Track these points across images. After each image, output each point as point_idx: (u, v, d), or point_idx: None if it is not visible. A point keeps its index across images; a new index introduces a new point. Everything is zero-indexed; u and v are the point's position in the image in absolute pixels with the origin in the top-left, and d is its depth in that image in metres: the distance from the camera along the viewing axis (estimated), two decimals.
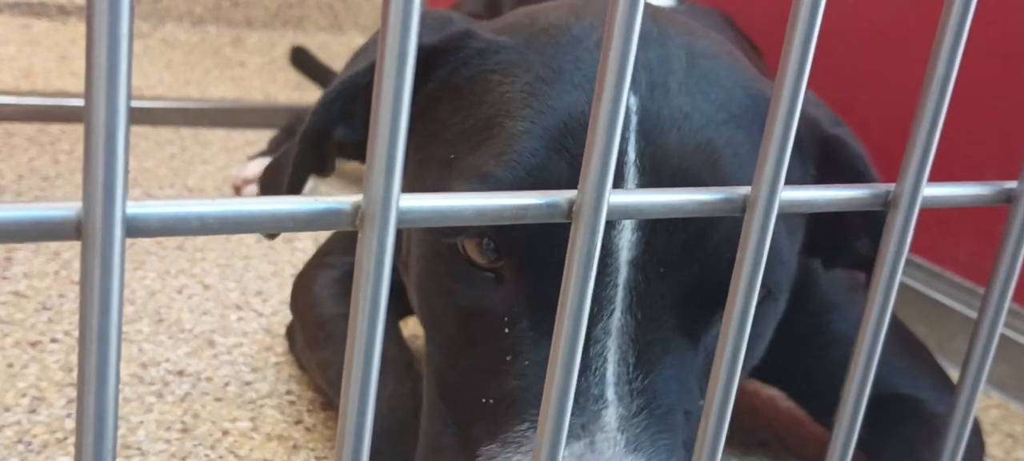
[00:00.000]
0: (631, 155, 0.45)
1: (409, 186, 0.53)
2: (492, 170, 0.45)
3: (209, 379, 0.73)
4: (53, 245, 0.92)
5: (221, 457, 0.64)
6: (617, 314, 0.44)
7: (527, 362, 0.45)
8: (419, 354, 0.66)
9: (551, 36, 0.49)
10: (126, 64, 0.19)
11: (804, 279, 0.67)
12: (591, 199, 0.25)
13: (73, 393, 0.68)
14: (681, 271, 0.44)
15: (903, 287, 0.94)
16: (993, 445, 0.81)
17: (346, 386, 0.24)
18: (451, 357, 0.49)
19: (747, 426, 0.79)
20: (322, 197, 0.23)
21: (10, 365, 0.71)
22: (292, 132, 1.26)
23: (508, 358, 0.45)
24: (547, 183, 0.44)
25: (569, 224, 0.46)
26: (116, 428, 0.22)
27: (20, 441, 0.62)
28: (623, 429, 0.42)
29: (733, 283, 0.28)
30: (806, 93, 0.56)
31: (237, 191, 1.16)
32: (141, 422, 0.66)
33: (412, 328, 0.78)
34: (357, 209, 0.23)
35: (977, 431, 0.68)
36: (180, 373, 0.73)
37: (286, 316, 0.84)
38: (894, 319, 0.71)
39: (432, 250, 0.48)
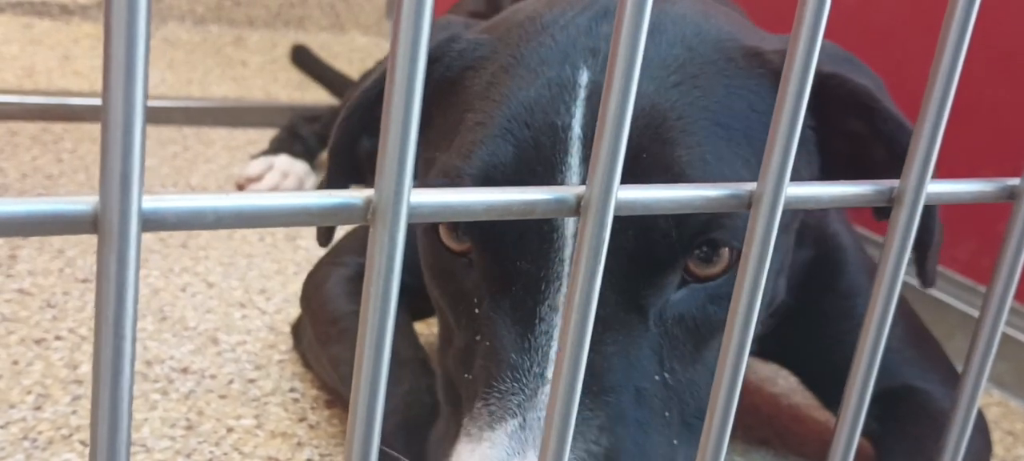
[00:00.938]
0: (575, 130, 0.46)
1: None
2: (457, 165, 0.47)
3: (213, 376, 0.73)
4: (57, 243, 0.92)
5: (225, 454, 0.64)
6: (564, 289, 0.45)
7: (488, 343, 0.47)
8: (433, 353, 0.66)
9: (523, 27, 0.51)
10: (143, 59, 0.20)
11: (834, 258, 0.67)
12: (599, 194, 0.25)
13: (78, 390, 0.68)
14: (618, 239, 0.45)
15: (904, 284, 0.94)
16: (994, 442, 0.81)
17: (356, 380, 0.24)
18: (446, 338, 0.52)
19: (748, 424, 0.79)
20: (334, 191, 0.23)
21: (15, 362, 0.71)
22: (294, 131, 1.27)
23: (478, 338, 0.48)
24: (494, 172, 0.46)
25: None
26: (131, 419, 0.22)
27: (26, 438, 0.62)
28: None
29: (738, 282, 0.28)
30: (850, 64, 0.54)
31: (240, 190, 1.16)
32: (146, 419, 0.66)
33: (431, 328, 0.78)
34: (369, 204, 0.23)
35: (984, 430, 0.68)
36: (184, 370, 0.73)
37: (290, 314, 0.85)
38: (908, 312, 0.71)
39: (424, 237, 0.51)
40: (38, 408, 0.66)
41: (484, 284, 0.47)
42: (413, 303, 0.67)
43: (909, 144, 0.52)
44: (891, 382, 0.67)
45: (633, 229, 0.45)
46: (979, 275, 0.95)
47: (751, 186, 0.28)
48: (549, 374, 0.44)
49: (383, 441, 0.47)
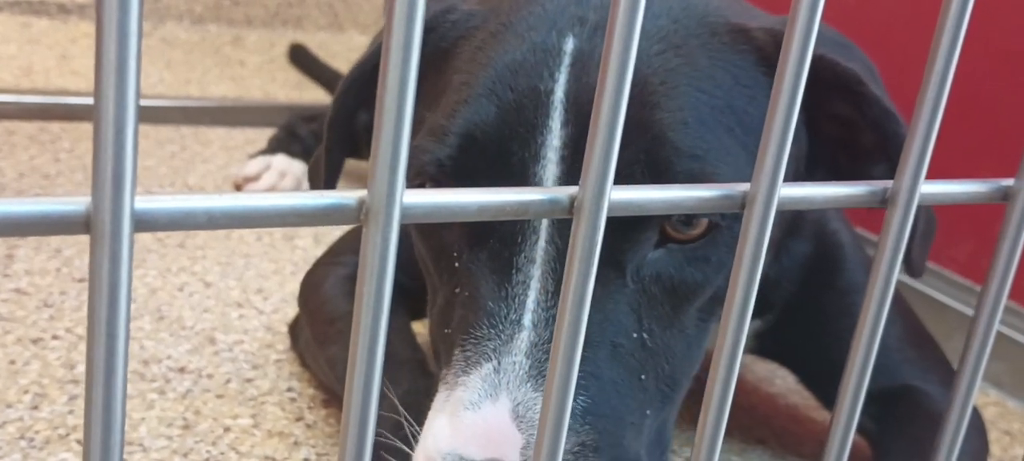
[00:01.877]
0: (558, 94, 0.47)
1: None
2: (442, 124, 0.48)
3: (210, 376, 0.73)
4: (54, 243, 0.92)
5: (222, 454, 0.64)
6: (541, 242, 0.46)
7: (467, 293, 0.47)
8: (430, 354, 0.66)
9: None
10: (135, 59, 0.20)
11: (833, 255, 0.68)
12: (592, 196, 0.25)
13: (75, 390, 0.68)
14: None
15: (901, 285, 0.94)
16: (990, 442, 0.81)
17: (350, 379, 0.24)
18: (432, 300, 0.53)
19: (745, 424, 0.79)
20: (327, 192, 0.23)
21: (12, 362, 0.71)
22: (291, 131, 1.27)
23: (457, 290, 0.49)
24: (475, 131, 0.47)
25: (502, 166, 0.47)
26: (124, 419, 0.22)
27: (22, 437, 0.62)
28: (529, 354, 0.44)
29: (732, 280, 0.28)
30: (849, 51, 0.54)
31: (237, 189, 1.16)
32: (143, 419, 0.66)
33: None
34: (362, 204, 0.23)
35: (981, 431, 0.68)
36: (181, 370, 0.73)
37: (287, 314, 0.85)
38: (906, 311, 0.71)
39: None
40: (35, 408, 0.66)
41: (464, 238, 0.48)
42: (411, 304, 0.67)
43: (894, 130, 0.52)
44: (889, 382, 0.67)
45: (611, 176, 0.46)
46: (977, 275, 0.95)
47: (744, 187, 0.28)
48: (525, 321, 0.45)
49: (379, 441, 0.47)
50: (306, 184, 1.22)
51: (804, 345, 0.70)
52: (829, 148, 0.55)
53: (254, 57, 1.85)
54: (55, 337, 0.76)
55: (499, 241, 0.46)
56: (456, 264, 0.49)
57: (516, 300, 0.45)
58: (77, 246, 0.92)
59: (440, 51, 0.53)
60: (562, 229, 0.46)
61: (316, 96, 1.61)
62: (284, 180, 1.19)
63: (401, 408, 0.52)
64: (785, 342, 0.70)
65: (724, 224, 0.48)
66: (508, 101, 0.47)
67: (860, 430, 0.67)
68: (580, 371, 0.44)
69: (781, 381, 0.88)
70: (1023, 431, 0.85)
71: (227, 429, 0.67)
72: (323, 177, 0.62)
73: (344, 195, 0.23)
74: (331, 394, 0.71)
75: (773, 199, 0.27)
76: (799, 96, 0.27)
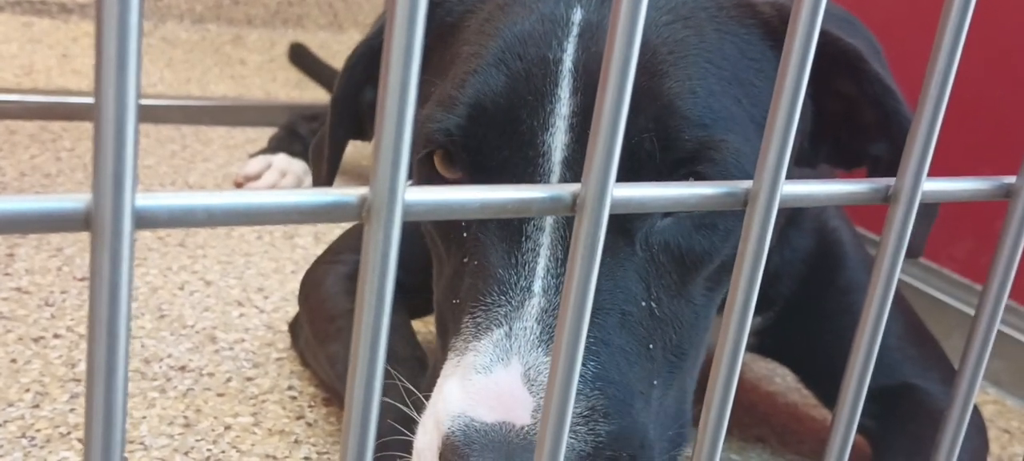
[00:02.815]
0: (567, 64, 0.47)
1: None
2: (451, 94, 0.49)
3: (211, 375, 0.73)
4: (55, 241, 0.92)
5: (223, 452, 0.64)
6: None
7: (476, 262, 0.48)
8: (431, 352, 0.66)
9: None
10: (135, 56, 0.20)
11: (833, 253, 0.68)
12: (595, 193, 0.25)
13: (76, 388, 0.68)
14: None
15: (900, 283, 0.94)
16: (989, 441, 0.81)
17: (352, 377, 0.24)
18: (438, 273, 0.53)
19: (745, 422, 0.79)
20: (329, 189, 0.23)
21: (13, 361, 0.71)
22: (292, 130, 1.27)
23: (465, 260, 0.49)
24: (485, 100, 0.47)
25: (511, 134, 0.47)
26: (125, 417, 0.22)
27: (24, 436, 0.62)
28: (540, 320, 0.44)
29: (734, 278, 0.28)
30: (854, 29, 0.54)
31: (238, 188, 1.16)
32: (144, 417, 0.66)
33: (429, 327, 0.78)
34: (363, 202, 0.23)
35: (982, 428, 0.68)
36: (182, 369, 0.73)
37: (287, 312, 0.85)
38: (906, 309, 0.71)
39: (420, 169, 0.52)
40: (36, 406, 0.66)
41: None
42: (411, 302, 0.67)
43: (894, 108, 0.52)
44: (889, 380, 0.67)
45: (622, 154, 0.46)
46: (976, 274, 0.95)
47: (747, 184, 0.28)
48: (536, 288, 0.45)
49: (379, 438, 0.47)
50: (308, 181, 1.22)
51: (804, 343, 0.70)
52: (832, 124, 0.55)
53: (255, 56, 1.85)
54: (56, 336, 0.76)
55: None
56: (464, 234, 0.49)
57: (526, 267, 0.46)
58: (78, 244, 0.92)
59: (446, 25, 0.53)
60: None
61: (316, 95, 1.61)
62: (285, 179, 1.19)
63: (407, 388, 0.52)
64: (785, 340, 0.70)
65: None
66: (517, 70, 0.47)
67: (860, 429, 0.67)
68: (589, 337, 0.44)
69: (780, 379, 0.88)
70: (1021, 429, 0.85)
71: (228, 427, 0.67)
72: (327, 156, 0.62)
73: (346, 192, 0.23)
74: (332, 392, 0.71)
75: (775, 197, 0.27)
76: (800, 98, 0.27)
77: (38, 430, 0.63)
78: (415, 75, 0.22)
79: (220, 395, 0.70)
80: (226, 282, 0.90)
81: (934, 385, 0.68)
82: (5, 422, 0.64)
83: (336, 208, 0.23)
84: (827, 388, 0.71)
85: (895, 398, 0.67)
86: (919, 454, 0.63)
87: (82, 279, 0.86)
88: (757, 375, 0.88)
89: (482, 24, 0.51)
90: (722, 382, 0.29)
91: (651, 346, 0.47)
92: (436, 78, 0.52)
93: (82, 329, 0.77)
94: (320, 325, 0.69)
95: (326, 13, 2.11)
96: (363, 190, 0.23)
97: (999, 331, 0.77)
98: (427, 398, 0.47)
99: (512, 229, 0.46)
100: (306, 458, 0.65)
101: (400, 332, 0.65)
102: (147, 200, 0.21)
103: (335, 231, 0.96)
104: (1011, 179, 0.33)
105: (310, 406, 0.71)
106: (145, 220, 0.21)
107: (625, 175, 0.46)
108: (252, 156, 1.23)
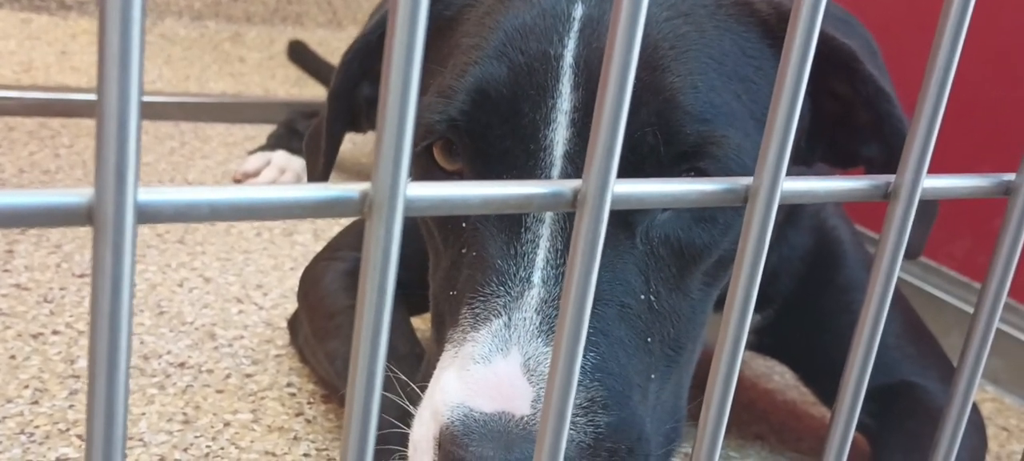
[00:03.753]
0: (568, 59, 0.47)
1: None
2: (449, 83, 0.49)
3: (210, 371, 0.73)
4: (54, 238, 0.92)
5: (222, 448, 0.64)
6: None
7: (474, 253, 0.47)
8: (430, 348, 0.66)
9: None
10: (138, 51, 0.20)
11: (832, 252, 0.68)
12: (595, 189, 0.25)
13: (75, 385, 0.68)
14: None
15: (899, 281, 0.94)
16: (988, 438, 0.82)
17: (353, 373, 0.24)
18: (435, 265, 0.52)
19: (744, 420, 0.79)
20: (331, 185, 0.23)
21: (12, 357, 0.71)
22: (291, 127, 1.27)
23: (463, 251, 0.48)
24: (489, 88, 0.47)
25: (513, 125, 0.47)
26: (127, 412, 0.22)
27: (22, 432, 0.62)
28: (540, 310, 0.44)
29: (734, 275, 0.28)
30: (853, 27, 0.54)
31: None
32: (143, 413, 0.66)
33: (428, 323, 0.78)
34: (365, 197, 0.23)
35: (980, 426, 0.69)
36: (181, 365, 0.73)
37: (286, 309, 0.85)
38: (905, 308, 0.71)
39: (418, 161, 0.52)
40: (35, 402, 0.66)
41: None
42: (410, 299, 0.67)
43: (887, 110, 0.52)
44: (888, 378, 0.67)
45: (624, 148, 0.46)
46: (975, 272, 0.96)
47: (747, 181, 0.28)
48: (535, 278, 0.45)
49: (379, 433, 0.47)
50: (305, 179, 1.22)
51: (803, 341, 0.70)
52: (828, 123, 0.56)
53: (254, 54, 1.85)
54: (55, 332, 0.76)
55: None
56: (463, 225, 0.49)
57: (525, 258, 0.46)
58: (77, 241, 0.92)
59: (444, 19, 0.53)
60: None
61: (315, 93, 1.61)
62: (284, 176, 1.19)
63: (401, 379, 0.52)
64: (784, 338, 0.70)
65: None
66: (519, 63, 0.48)
67: (859, 427, 0.67)
68: (589, 328, 0.44)
69: (779, 377, 0.88)
70: (1020, 427, 0.86)
71: (227, 424, 0.67)
72: (324, 150, 0.62)
73: (347, 188, 0.23)
74: (331, 389, 0.71)
75: (776, 194, 0.27)
76: (800, 95, 0.27)
77: (37, 426, 0.63)
78: (417, 70, 0.22)
79: (219, 392, 0.71)
80: (225, 279, 0.90)
81: (933, 383, 0.68)
82: (4, 418, 0.64)
83: (338, 203, 0.23)
84: (826, 386, 0.71)
85: (894, 396, 0.67)
86: (918, 451, 0.63)
87: (81, 275, 0.86)
88: (756, 373, 0.88)
89: (482, 17, 0.51)
90: (722, 379, 0.29)
91: (649, 339, 0.47)
92: (434, 71, 0.52)
93: (81, 325, 0.77)
94: (319, 322, 0.69)
95: (325, 10, 2.11)
96: (365, 185, 0.23)
97: (998, 329, 0.77)
98: (423, 390, 0.47)
99: (511, 220, 0.47)
100: (305, 455, 0.65)
101: (399, 329, 0.65)
102: (150, 195, 0.21)
103: (334, 228, 0.96)
104: (1010, 176, 0.33)
105: (309, 403, 0.71)
106: (148, 215, 0.21)
107: (626, 169, 0.46)
108: (251, 153, 1.23)
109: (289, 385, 0.73)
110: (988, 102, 0.93)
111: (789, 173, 0.27)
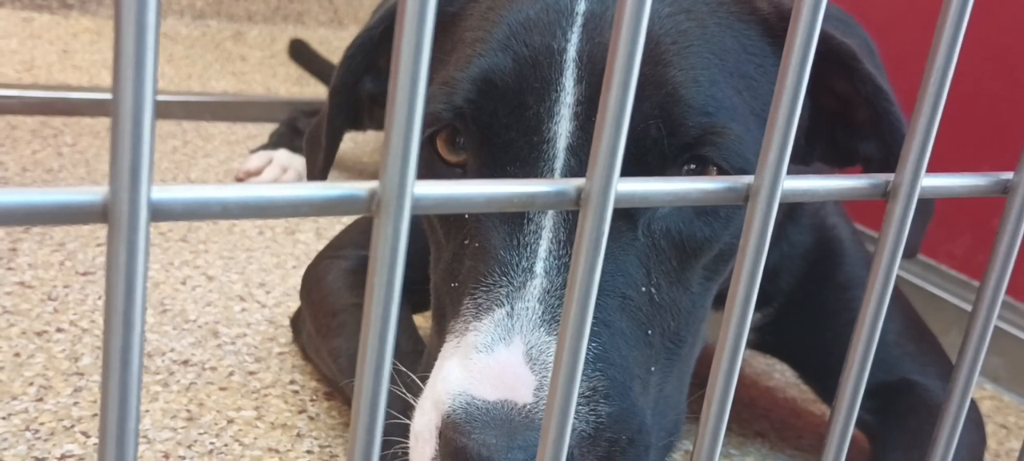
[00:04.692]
0: (570, 53, 0.48)
1: None
2: (454, 75, 0.49)
3: (214, 369, 0.73)
4: (58, 236, 0.93)
5: (226, 445, 0.64)
6: None
7: (477, 244, 0.48)
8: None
9: None
10: (153, 51, 0.20)
11: (832, 250, 0.68)
12: (599, 187, 0.25)
13: (79, 382, 0.69)
14: None
15: (898, 279, 0.95)
16: (987, 436, 0.82)
17: (360, 370, 0.24)
18: (437, 257, 0.53)
19: (744, 417, 0.80)
20: (339, 183, 0.23)
21: (17, 354, 0.72)
22: (293, 126, 1.27)
23: (466, 242, 0.49)
24: (494, 77, 0.48)
25: (518, 116, 0.47)
26: (139, 409, 0.23)
27: (27, 429, 0.63)
28: (542, 300, 0.44)
29: (736, 270, 0.29)
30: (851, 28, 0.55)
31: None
32: (147, 411, 0.67)
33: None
34: (373, 195, 0.23)
35: (979, 424, 0.69)
36: (185, 363, 0.74)
37: (289, 307, 0.85)
38: (905, 306, 0.72)
39: (421, 153, 0.51)
40: (40, 399, 0.66)
41: None
42: (413, 297, 0.68)
43: (885, 108, 0.53)
44: (888, 376, 0.68)
45: (627, 130, 0.46)
46: (974, 271, 0.96)
47: (748, 179, 0.28)
48: (538, 269, 0.45)
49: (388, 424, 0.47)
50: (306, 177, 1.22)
51: (803, 339, 0.70)
52: (827, 121, 0.56)
53: (255, 52, 1.85)
54: (59, 330, 0.76)
55: None
56: (466, 216, 0.49)
57: (528, 248, 0.46)
58: (80, 239, 0.93)
59: (447, 15, 0.54)
60: (579, 176, 0.47)
61: (317, 91, 1.61)
62: (286, 174, 1.19)
63: (399, 369, 0.52)
64: (784, 336, 0.71)
65: (727, 170, 0.49)
66: (524, 56, 0.48)
67: (859, 424, 0.68)
68: (594, 318, 0.45)
69: (779, 375, 0.88)
70: (1019, 425, 0.86)
71: (231, 421, 0.67)
72: (324, 146, 0.62)
73: (356, 186, 0.23)
74: (334, 387, 0.72)
75: (776, 192, 0.28)
76: (801, 93, 0.27)
77: (42, 423, 0.64)
78: (425, 68, 0.23)
79: (223, 389, 0.71)
80: (228, 277, 0.90)
81: (933, 381, 0.68)
82: (9, 416, 0.64)
83: (346, 201, 0.23)
84: (826, 384, 0.72)
85: (894, 394, 0.67)
86: (917, 448, 0.63)
87: (85, 274, 0.86)
88: (756, 370, 0.89)
89: (485, 12, 0.52)
90: (723, 376, 0.30)
91: (649, 332, 0.48)
92: (436, 66, 0.52)
93: (85, 323, 0.78)
94: (322, 320, 0.70)
95: (326, 9, 2.11)
96: (373, 183, 0.23)
97: (996, 327, 0.77)
98: (424, 381, 0.48)
99: (514, 212, 0.47)
100: (308, 452, 0.65)
101: (402, 326, 0.65)
102: (163, 193, 0.22)
103: (336, 227, 0.97)
104: (1008, 175, 0.34)
105: (312, 400, 0.71)
106: (161, 212, 0.22)
107: (630, 161, 0.46)
108: (253, 152, 1.24)
109: (292, 382, 0.73)
110: (987, 101, 0.94)
111: (789, 172, 0.28)
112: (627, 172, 0.49)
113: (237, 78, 1.65)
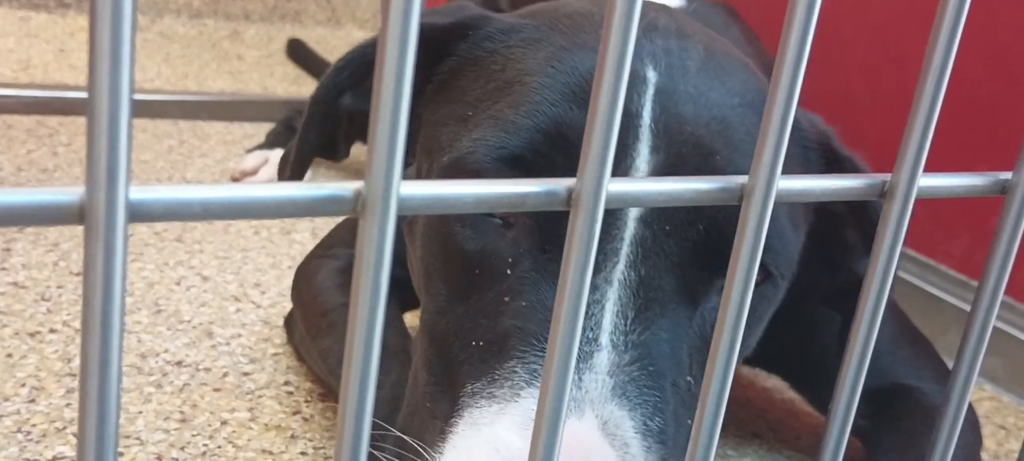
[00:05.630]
0: (645, 119, 0.46)
1: (422, 144, 0.54)
2: (510, 117, 0.46)
3: (207, 370, 0.73)
4: (52, 236, 0.92)
5: (219, 447, 0.64)
6: (620, 266, 0.44)
7: (524, 303, 0.45)
8: None
9: (574, 20, 0.52)
10: (129, 48, 0.20)
11: None
12: (590, 187, 0.25)
13: (72, 383, 0.68)
14: (687, 230, 0.45)
15: (897, 280, 0.94)
16: (985, 437, 0.81)
17: (346, 372, 0.24)
18: (448, 306, 0.48)
19: (741, 418, 0.79)
20: (324, 183, 0.23)
21: (9, 355, 0.71)
22: (290, 125, 1.27)
23: (506, 299, 0.45)
24: (563, 131, 0.45)
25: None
26: (119, 412, 0.22)
27: (19, 430, 0.62)
28: (612, 374, 0.42)
29: (730, 270, 0.28)
30: (815, 116, 0.58)
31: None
32: (140, 412, 0.66)
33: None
34: (358, 196, 0.23)
35: (975, 425, 0.69)
36: (179, 363, 0.73)
37: (284, 308, 0.85)
38: (897, 311, 0.71)
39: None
40: (32, 401, 0.66)
41: (527, 246, 0.46)
42: (402, 295, 0.67)
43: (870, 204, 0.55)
44: (881, 381, 0.67)
45: (704, 222, 0.45)
46: (972, 271, 0.96)
47: (742, 179, 0.28)
48: (603, 341, 0.43)
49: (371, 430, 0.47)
50: (304, 178, 1.22)
51: (797, 354, 0.69)
52: (818, 242, 0.57)
53: (252, 52, 1.84)
54: (52, 330, 0.75)
55: None
56: (508, 271, 0.46)
57: (591, 319, 0.43)
58: (74, 239, 0.92)
59: (485, 52, 0.52)
60: (647, 257, 0.45)
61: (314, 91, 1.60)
62: None
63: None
64: (778, 351, 0.70)
65: (771, 278, 0.49)
66: None
67: (854, 429, 0.67)
68: (659, 396, 0.43)
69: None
70: (1018, 426, 0.86)
71: (224, 422, 0.67)
72: (292, 160, 0.59)
73: (341, 186, 0.23)
74: (328, 387, 0.71)
75: (772, 191, 0.27)
76: (796, 93, 0.27)
77: (34, 425, 0.63)
78: (410, 68, 0.22)
79: (217, 390, 0.70)
80: (223, 277, 0.90)
81: (927, 384, 0.68)
82: (1, 417, 0.64)
83: (331, 202, 0.23)
84: (819, 394, 0.71)
85: (889, 398, 0.67)
86: (912, 450, 0.63)
87: (79, 274, 0.86)
88: (752, 371, 0.88)
89: (546, 60, 0.49)
90: (718, 376, 0.29)
91: (689, 421, 0.47)
92: (473, 105, 0.49)
93: (78, 324, 0.77)
94: (312, 320, 0.69)
95: (324, 9, 2.11)
96: (358, 184, 0.23)
97: (995, 327, 0.77)
98: (428, 450, 0.44)
99: None
100: (302, 453, 0.65)
101: (392, 326, 0.65)
102: (141, 193, 0.21)
103: (332, 226, 0.96)
104: (1007, 175, 0.33)
105: (307, 401, 0.71)
106: (139, 213, 0.21)
107: (705, 252, 0.45)
108: (249, 151, 1.23)
109: (286, 383, 0.73)
110: (985, 100, 0.93)
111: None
112: (697, 263, 0.47)
113: (234, 77, 1.64)
